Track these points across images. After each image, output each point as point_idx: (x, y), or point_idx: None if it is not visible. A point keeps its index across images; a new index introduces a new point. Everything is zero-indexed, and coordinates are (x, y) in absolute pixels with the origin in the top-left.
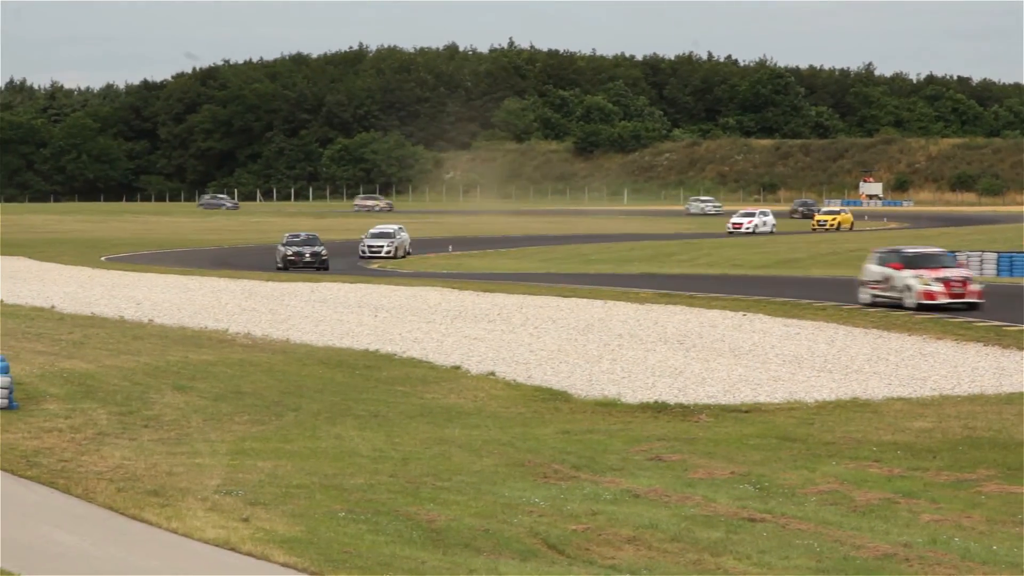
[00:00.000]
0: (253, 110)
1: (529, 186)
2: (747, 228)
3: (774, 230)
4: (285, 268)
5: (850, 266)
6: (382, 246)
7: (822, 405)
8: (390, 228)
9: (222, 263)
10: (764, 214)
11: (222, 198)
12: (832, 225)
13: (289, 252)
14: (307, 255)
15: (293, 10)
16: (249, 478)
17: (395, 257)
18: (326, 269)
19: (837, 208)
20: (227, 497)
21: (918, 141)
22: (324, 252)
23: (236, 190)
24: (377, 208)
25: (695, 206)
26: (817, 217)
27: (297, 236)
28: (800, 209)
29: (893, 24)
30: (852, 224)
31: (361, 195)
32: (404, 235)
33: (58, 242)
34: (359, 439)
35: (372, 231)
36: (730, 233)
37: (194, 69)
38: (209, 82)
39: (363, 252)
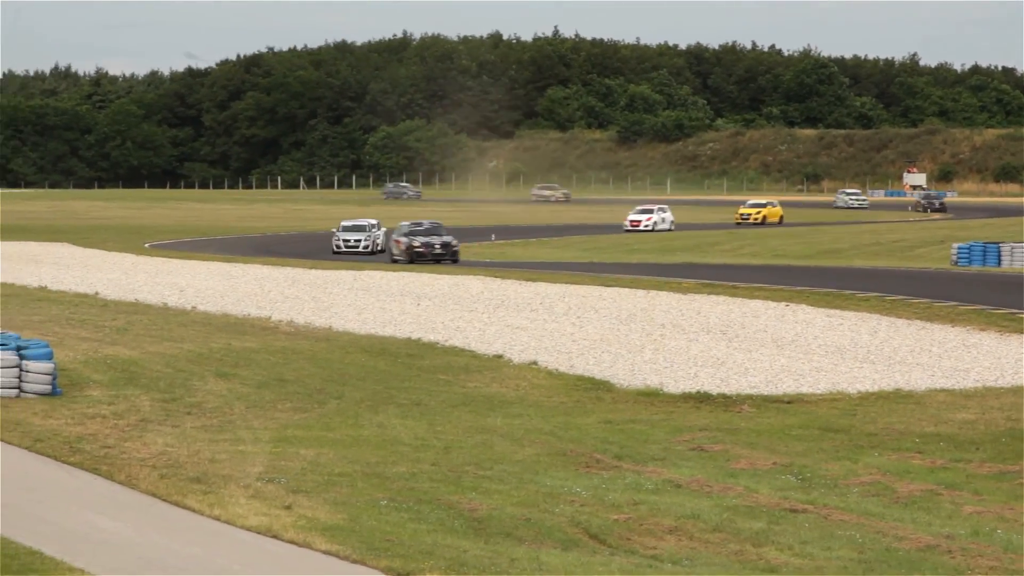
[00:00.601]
0: (297, 97)
1: (572, 175)
2: (645, 226)
3: (672, 227)
4: (410, 261)
5: (892, 257)
6: (359, 240)
7: (864, 396)
8: (364, 222)
9: (266, 250)
10: (663, 210)
11: (404, 186)
12: (756, 219)
13: (416, 243)
14: (437, 246)
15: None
16: (291, 466)
17: (371, 252)
18: (457, 262)
19: (763, 200)
20: (269, 485)
21: (962, 132)
22: (455, 242)
23: (280, 178)
24: (553, 199)
25: (841, 199)
26: (741, 210)
27: (420, 225)
28: (922, 201)
29: (938, 14)
30: (781, 218)
31: (539, 184)
32: (379, 230)
33: (102, 229)
34: (401, 427)
35: (345, 224)
36: (627, 231)
37: (238, 56)
38: (253, 69)
39: (337, 247)
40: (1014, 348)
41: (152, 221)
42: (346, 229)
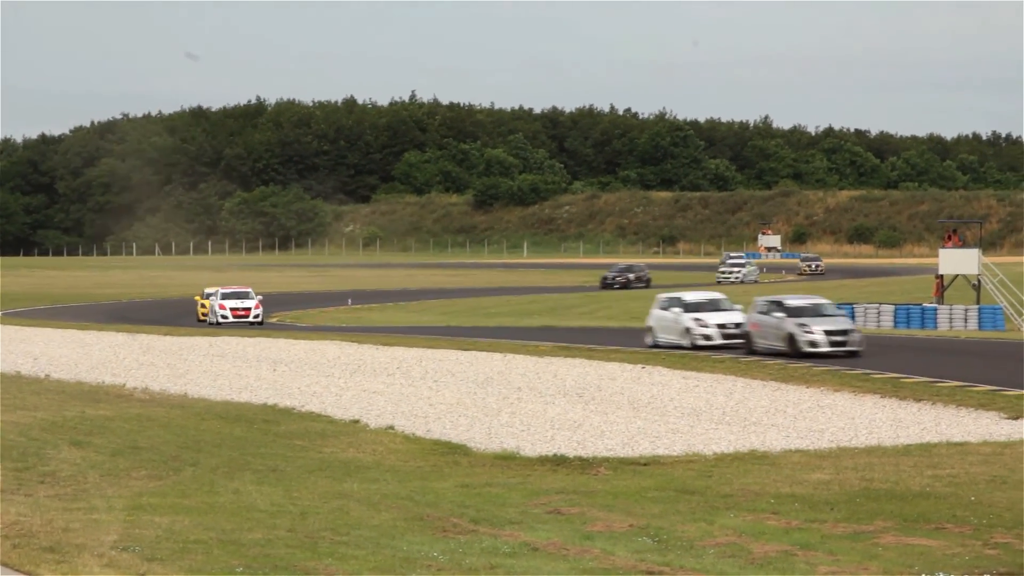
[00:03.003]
0: (152, 164)
1: (429, 239)
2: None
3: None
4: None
5: None
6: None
7: (720, 457)
8: (244, 290)
9: (121, 317)
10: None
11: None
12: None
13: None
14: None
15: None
16: (146, 534)
17: (260, 322)
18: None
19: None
20: (124, 553)
21: (816, 193)
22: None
23: (135, 244)
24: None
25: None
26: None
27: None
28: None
29: (791, 77)
30: None
31: (731, 253)
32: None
33: None
34: (257, 494)
35: (224, 291)
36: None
37: (93, 123)
38: (108, 136)
39: (224, 317)
40: (867, 408)
41: (5, 288)
42: (227, 296)
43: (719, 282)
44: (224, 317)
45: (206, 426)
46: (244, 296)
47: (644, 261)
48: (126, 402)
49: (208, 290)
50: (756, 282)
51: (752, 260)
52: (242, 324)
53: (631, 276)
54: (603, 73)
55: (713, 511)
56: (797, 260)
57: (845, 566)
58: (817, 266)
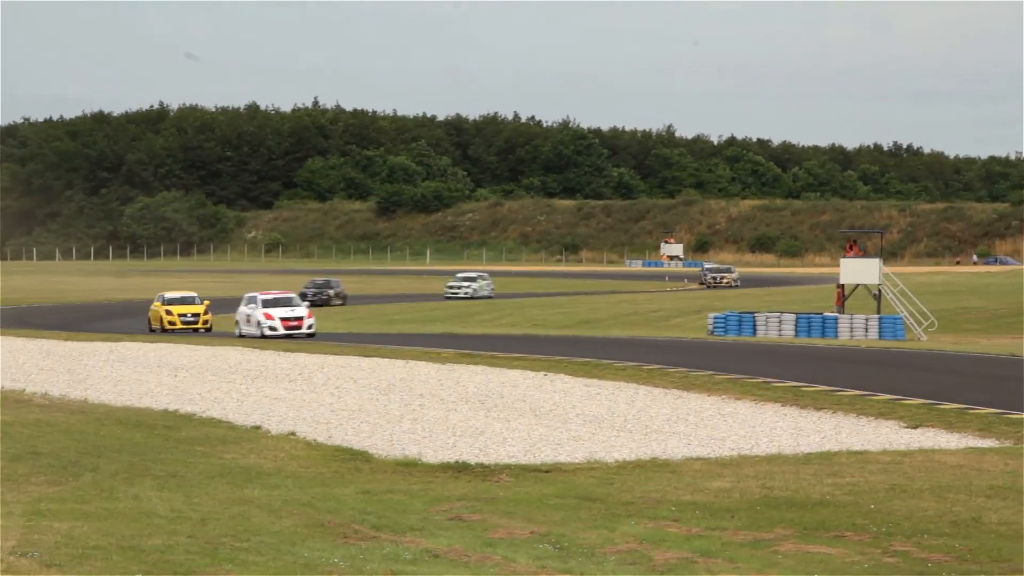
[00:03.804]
0: (53, 168)
1: (332, 246)
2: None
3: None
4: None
5: (649, 326)
6: (301, 317)
7: (622, 465)
8: (287, 295)
9: (20, 322)
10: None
11: None
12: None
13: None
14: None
15: (94, 69)
16: (45, 539)
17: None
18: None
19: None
20: (22, 559)
21: (718, 203)
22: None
23: (35, 249)
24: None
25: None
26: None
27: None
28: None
29: (693, 86)
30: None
31: (464, 271)
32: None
33: None
34: (157, 500)
35: (264, 297)
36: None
37: None
38: (8, 140)
39: (271, 329)
40: (768, 417)
41: None
42: (271, 304)
43: (447, 298)
44: (272, 329)
45: (106, 431)
46: (290, 303)
47: (548, 268)
48: (25, 407)
49: (249, 294)
50: (490, 297)
51: (486, 276)
52: (281, 337)
53: (331, 292)
54: (507, 81)
55: (614, 518)
56: (700, 269)
57: (745, 573)
58: (722, 278)
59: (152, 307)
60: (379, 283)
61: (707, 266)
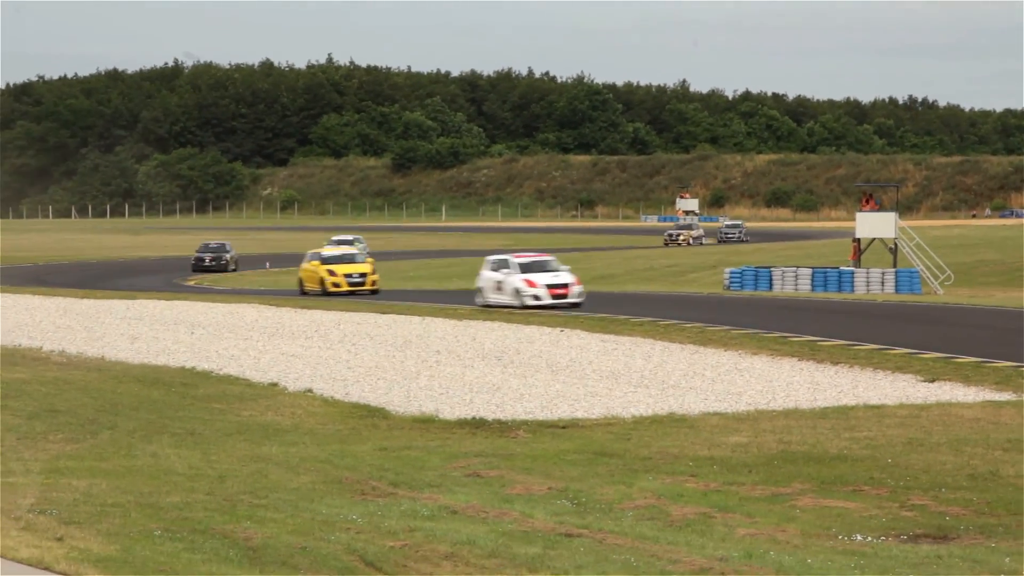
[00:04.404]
0: (68, 126)
1: (348, 203)
2: None
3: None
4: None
5: (666, 281)
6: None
7: (639, 420)
8: (545, 257)
9: (38, 280)
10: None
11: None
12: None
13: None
14: None
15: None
16: (63, 497)
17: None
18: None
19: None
20: (41, 516)
21: (733, 157)
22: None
23: (51, 207)
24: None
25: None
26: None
27: None
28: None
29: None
30: None
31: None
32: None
33: None
34: (175, 457)
35: (520, 259)
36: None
37: (8, 85)
38: (23, 98)
39: (534, 298)
40: (785, 371)
41: None
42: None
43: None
44: (536, 298)
45: (124, 389)
46: (550, 267)
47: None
48: (43, 365)
49: (494, 257)
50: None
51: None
52: (545, 307)
53: (227, 256)
54: (521, 37)
55: (632, 474)
56: (720, 223)
57: (763, 528)
58: (733, 235)
59: (306, 266)
60: (393, 240)
61: (727, 222)
